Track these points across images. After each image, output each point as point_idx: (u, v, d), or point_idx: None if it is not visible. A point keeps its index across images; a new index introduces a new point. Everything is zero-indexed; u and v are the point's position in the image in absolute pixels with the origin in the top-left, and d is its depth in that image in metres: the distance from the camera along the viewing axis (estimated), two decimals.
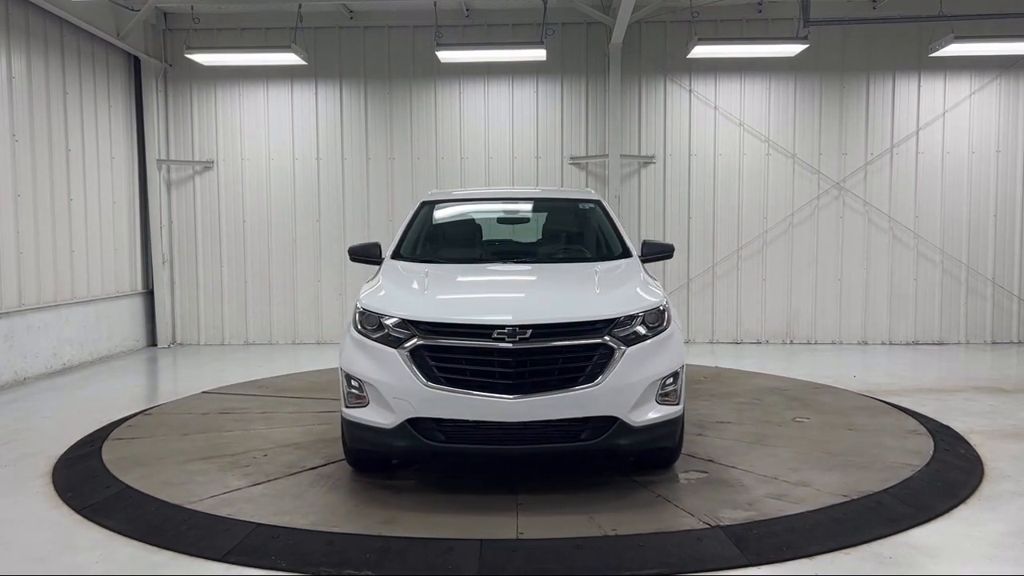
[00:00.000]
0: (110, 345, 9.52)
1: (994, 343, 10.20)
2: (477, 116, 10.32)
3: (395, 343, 4.10)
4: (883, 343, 10.25)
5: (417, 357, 4.04)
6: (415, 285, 4.55)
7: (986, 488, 4.47)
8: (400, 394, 4.02)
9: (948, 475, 4.64)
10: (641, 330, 4.20)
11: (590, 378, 4.03)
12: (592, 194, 6.17)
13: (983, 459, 4.98)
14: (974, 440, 5.43)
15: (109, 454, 5.09)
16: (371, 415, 4.13)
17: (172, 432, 5.65)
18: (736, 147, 10.25)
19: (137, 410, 6.43)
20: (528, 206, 6.15)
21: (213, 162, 10.44)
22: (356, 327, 4.31)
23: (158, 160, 10.24)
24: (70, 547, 3.75)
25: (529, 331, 4.00)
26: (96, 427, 5.88)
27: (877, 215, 10.18)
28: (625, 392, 4.06)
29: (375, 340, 4.18)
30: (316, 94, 10.35)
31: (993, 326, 10.24)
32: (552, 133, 10.31)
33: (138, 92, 10.20)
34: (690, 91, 10.20)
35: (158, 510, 4.11)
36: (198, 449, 5.22)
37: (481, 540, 3.67)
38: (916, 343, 10.24)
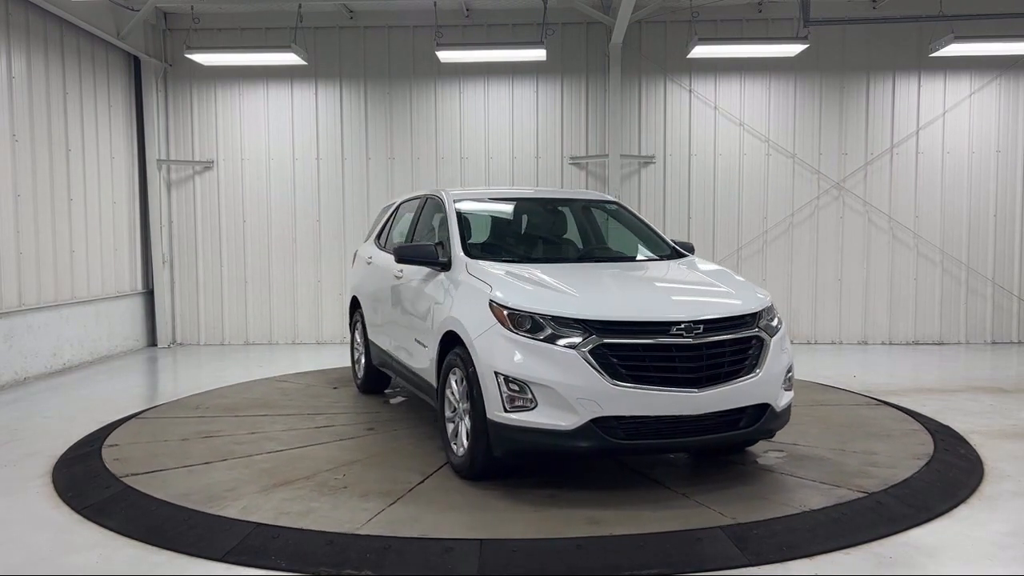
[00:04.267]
0: (110, 345, 9.52)
1: (994, 343, 10.21)
2: (477, 116, 10.32)
3: (570, 343, 4.05)
4: (883, 343, 10.25)
5: (598, 356, 4.01)
6: (551, 284, 4.46)
7: (986, 488, 4.47)
8: (585, 394, 3.96)
9: (948, 475, 4.64)
10: (773, 322, 4.51)
11: (750, 368, 4.27)
12: (609, 195, 6.30)
13: (983, 459, 4.98)
14: (974, 440, 5.43)
15: (165, 490, 4.38)
16: (543, 418, 4.03)
17: (187, 461, 4.91)
18: (736, 147, 10.25)
19: (133, 412, 6.42)
20: (562, 207, 6.13)
21: (213, 162, 10.44)
22: (508, 327, 4.19)
23: (158, 160, 10.24)
24: (70, 547, 3.75)
25: (702, 326, 4.15)
26: (96, 427, 5.87)
27: (877, 215, 10.18)
28: (774, 380, 4.38)
29: (541, 340, 4.08)
30: (316, 94, 10.35)
31: (993, 326, 10.24)
32: (552, 133, 10.31)
33: (138, 92, 10.20)
34: (690, 91, 10.20)
35: (158, 510, 4.11)
36: (250, 477, 4.59)
37: (481, 540, 3.67)
38: (916, 343, 10.24)
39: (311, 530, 3.79)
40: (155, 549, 3.69)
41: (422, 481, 4.53)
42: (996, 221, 10.17)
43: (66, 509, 4.24)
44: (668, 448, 4.54)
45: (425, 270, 5.26)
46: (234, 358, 9.46)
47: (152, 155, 10.19)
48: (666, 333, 4.09)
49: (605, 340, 4.04)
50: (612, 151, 9.96)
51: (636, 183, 10.27)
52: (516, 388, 4.09)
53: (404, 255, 5.24)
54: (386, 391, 6.97)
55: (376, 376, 6.76)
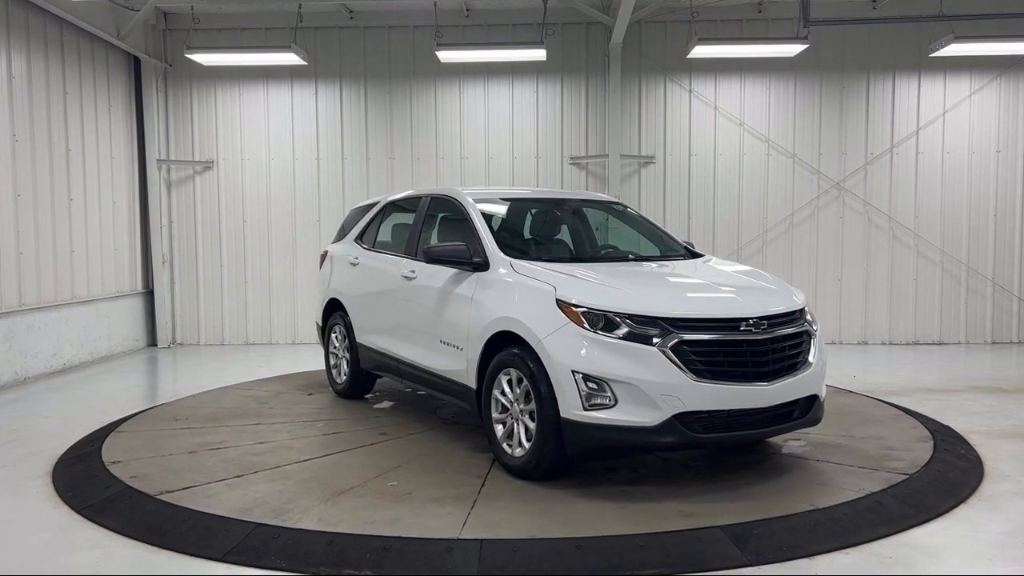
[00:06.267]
0: (110, 345, 9.52)
1: (994, 343, 10.21)
2: (477, 116, 10.32)
3: (649, 340, 4.10)
4: (883, 343, 10.25)
5: (678, 353, 4.09)
6: (612, 283, 4.52)
7: (986, 488, 4.47)
8: (668, 390, 4.04)
9: (948, 475, 4.64)
10: (810, 318, 4.71)
11: (804, 361, 4.49)
12: (612, 196, 6.34)
13: (983, 459, 4.99)
14: (974, 440, 5.43)
15: (217, 506, 4.10)
16: (624, 415, 4.07)
17: (216, 475, 4.60)
18: (736, 147, 10.25)
19: (137, 410, 6.41)
20: (577, 207, 6.15)
21: (213, 162, 10.44)
22: (583, 326, 4.20)
23: (158, 160, 10.25)
24: (70, 547, 3.75)
25: (766, 322, 4.32)
26: (96, 427, 5.87)
27: (877, 215, 10.18)
28: (821, 371, 4.62)
29: (620, 338, 4.13)
30: (316, 94, 10.35)
31: (993, 326, 10.24)
32: (552, 133, 10.31)
33: (138, 92, 10.21)
34: (690, 91, 10.20)
35: (158, 510, 4.10)
36: (299, 488, 4.37)
37: (481, 540, 3.67)
38: (916, 343, 10.24)
39: (311, 530, 3.78)
40: (155, 549, 3.68)
41: (483, 484, 4.46)
42: (996, 221, 10.17)
43: (66, 509, 4.23)
44: (738, 440, 4.67)
45: (450, 270, 5.17)
46: (234, 358, 9.45)
47: (152, 155, 10.19)
48: (737, 329, 4.23)
49: (684, 337, 4.12)
50: (612, 151, 9.96)
51: (636, 183, 10.27)
52: (594, 386, 4.11)
53: (435, 255, 5.13)
54: (366, 396, 6.75)
55: (363, 381, 6.59)
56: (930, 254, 10.21)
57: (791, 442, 5.22)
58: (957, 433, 5.61)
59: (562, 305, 4.31)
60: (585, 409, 4.13)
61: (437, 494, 4.29)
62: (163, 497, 4.25)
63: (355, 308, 6.47)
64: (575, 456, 4.34)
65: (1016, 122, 10.12)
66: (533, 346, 4.35)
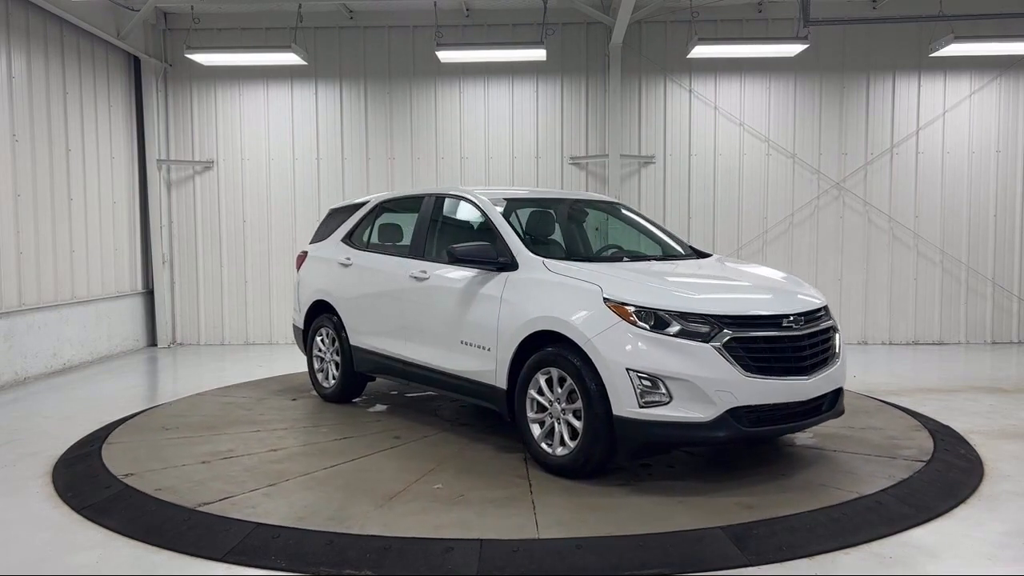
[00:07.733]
0: (110, 345, 9.52)
1: (994, 343, 10.21)
2: (477, 116, 10.32)
3: (703, 338, 4.18)
4: (883, 343, 10.25)
5: (730, 349, 4.18)
6: (655, 282, 4.63)
7: (986, 488, 4.47)
8: (723, 386, 4.12)
9: (948, 475, 4.64)
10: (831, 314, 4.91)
11: (834, 355, 4.73)
12: (613, 197, 6.37)
13: (983, 459, 4.99)
14: (974, 440, 5.43)
15: (268, 517, 3.96)
16: (679, 411, 4.13)
17: (247, 484, 4.44)
18: (736, 147, 10.25)
19: (137, 410, 6.41)
20: (587, 209, 6.19)
21: (213, 162, 10.44)
22: (635, 324, 4.23)
23: (158, 160, 10.25)
24: (70, 547, 3.75)
25: (803, 319, 4.48)
26: (96, 427, 5.87)
27: (877, 215, 10.18)
28: (845, 365, 4.89)
29: (674, 336, 4.18)
30: (316, 94, 10.35)
31: (993, 326, 10.24)
32: (552, 133, 10.31)
33: (138, 92, 10.21)
34: (690, 91, 10.20)
35: (158, 510, 4.10)
36: (342, 495, 4.26)
37: (481, 540, 3.67)
38: (916, 343, 10.24)
39: (311, 530, 3.78)
40: (155, 549, 3.69)
41: (530, 484, 4.43)
42: (996, 221, 10.17)
43: (66, 509, 4.23)
44: (779, 433, 4.76)
45: (471, 271, 5.12)
46: (234, 358, 9.45)
47: (152, 155, 10.19)
48: (779, 325, 4.37)
49: (735, 333, 4.22)
50: (612, 151, 9.96)
51: (636, 183, 10.27)
52: (648, 384, 4.16)
53: (460, 255, 5.04)
54: (355, 400, 6.57)
55: (355, 384, 6.45)
56: (930, 254, 10.21)
57: (799, 434, 5.30)
58: (957, 433, 5.61)
59: (610, 304, 4.34)
60: (640, 407, 4.16)
61: (490, 496, 4.25)
62: (203, 509, 4.08)
63: (349, 310, 6.28)
64: (627, 454, 4.43)
65: (1016, 122, 10.12)
66: (581, 345, 4.34)
